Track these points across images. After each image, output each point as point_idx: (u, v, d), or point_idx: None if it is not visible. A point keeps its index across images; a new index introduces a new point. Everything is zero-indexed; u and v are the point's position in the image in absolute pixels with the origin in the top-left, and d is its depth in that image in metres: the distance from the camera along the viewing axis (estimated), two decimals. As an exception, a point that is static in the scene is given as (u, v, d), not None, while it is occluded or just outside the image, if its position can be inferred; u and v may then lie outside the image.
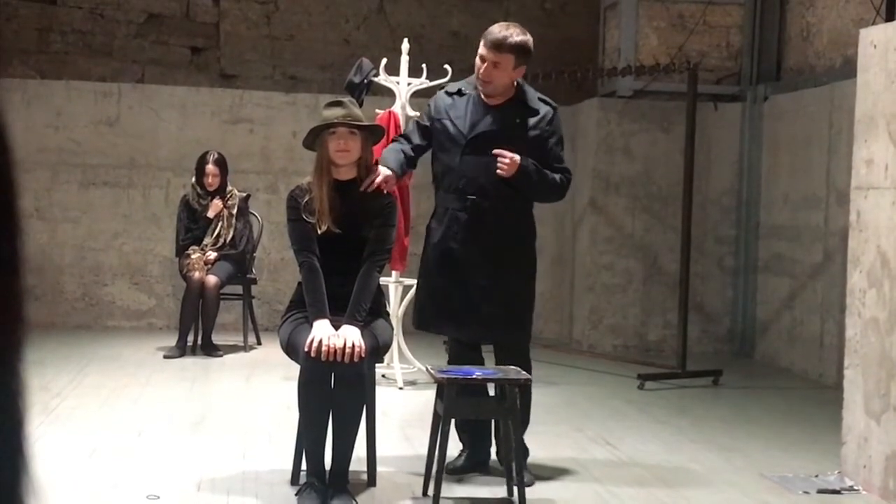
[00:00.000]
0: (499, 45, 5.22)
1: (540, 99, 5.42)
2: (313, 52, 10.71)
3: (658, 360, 9.11)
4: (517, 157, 5.17)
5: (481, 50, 5.29)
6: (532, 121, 5.34)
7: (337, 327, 4.77)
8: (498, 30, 5.29)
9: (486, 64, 5.26)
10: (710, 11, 9.86)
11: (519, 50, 5.24)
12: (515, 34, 5.25)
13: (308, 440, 4.84)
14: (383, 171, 5.12)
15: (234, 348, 9.00)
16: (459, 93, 5.47)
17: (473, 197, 5.28)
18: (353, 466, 4.89)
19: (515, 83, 5.39)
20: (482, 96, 5.38)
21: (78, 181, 10.10)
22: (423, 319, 5.50)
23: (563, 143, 5.50)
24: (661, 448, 6.14)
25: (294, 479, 5.02)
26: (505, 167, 5.16)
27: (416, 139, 5.51)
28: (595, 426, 6.63)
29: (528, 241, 5.46)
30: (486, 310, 5.28)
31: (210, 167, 8.87)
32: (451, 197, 5.35)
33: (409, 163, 5.49)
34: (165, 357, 8.55)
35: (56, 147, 10.03)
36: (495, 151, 5.18)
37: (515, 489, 4.85)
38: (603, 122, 9.82)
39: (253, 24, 10.66)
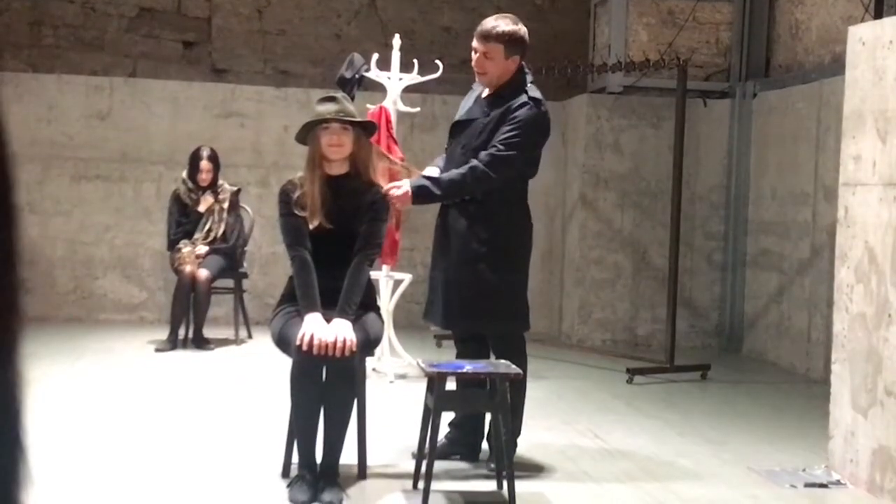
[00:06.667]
0: (486, 35, 5.33)
1: (525, 90, 5.40)
2: (304, 46, 10.72)
3: (647, 354, 9.16)
4: (404, 186, 5.23)
5: (474, 42, 5.41)
6: (499, 109, 5.34)
7: (328, 321, 4.80)
8: (488, 20, 5.42)
9: (478, 55, 5.37)
10: (699, 8, 9.90)
11: (507, 39, 5.31)
12: (504, 24, 5.35)
13: (299, 433, 4.87)
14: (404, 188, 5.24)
15: (225, 342, 9.02)
16: (472, 90, 5.64)
17: None
18: (343, 459, 4.91)
19: (515, 74, 5.41)
20: (483, 91, 5.50)
21: (70, 175, 10.11)
22: (424, 311, 5.66)
23: (518, 131, 5.23)
24: (650, 442, 6.18)
25: (285, 472, 5.04)
26: (397, 201, 5.24)
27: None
28: (584, 420, 6.66)
29: (508, 230, 5.39)
30: (450, 300, 5.35)
31: (204, 163, 8.89)
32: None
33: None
34: (157, 350, 8.57)
35: (48, 141, 10.04)
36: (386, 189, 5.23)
37: (505, 482, 4.88)
38: (593, 117, 9.85)
39: (244, 19, 10.67)
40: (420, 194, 5.25)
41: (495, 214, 5.35)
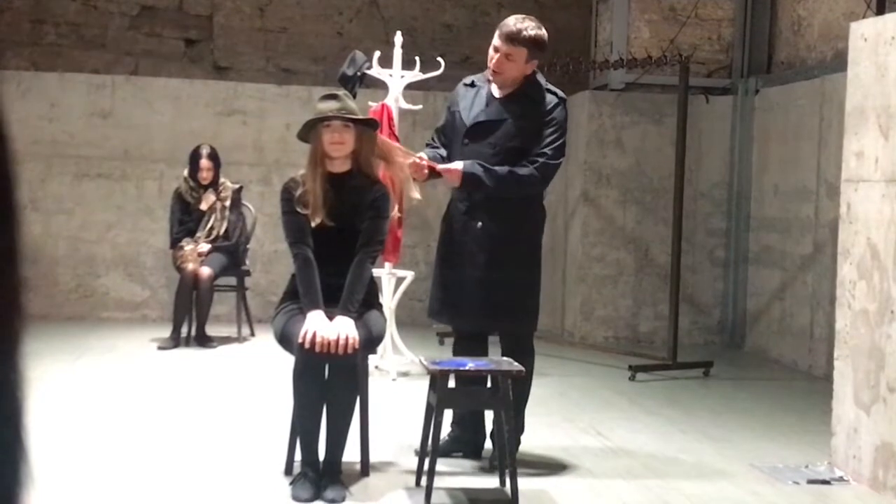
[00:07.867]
0: (513, 38, 5.26)
1: (547, 90, 5.41)
2: (306, 44, 10.72)
3: (649, 351, 9.17)
4: (457, 166, 5.23)
5: (495, 41, 5.33)
6: (532, 110, 5.34)
7: (330, 318, 4.80)
8: (513, 22, 5.33)
9: (498, 55, 5.31)
10: (701, 4, 9.89)
11: (533, 43, 5.28)
12: (531, 28, 5.29)
13: (302, 431, 4.87)
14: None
15: (227, 339, 9.02)
16: (472, 84, 5.56)
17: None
18: (346, 457, 4.92)
19: (530, 73, 5.40)
20: (491, 88, 5.44)
21: (72, 173, 10.12)
22: (431, 309, 5.62)
23: (560, 133, 5.36)
24: (652, 438, 6.18)
25: (288, 470, 5.05)
26: (446, 173, 5.26)
27: (440, 140, 5.63)
28: (586, 417, 6.66)
29: (528, 231, 5.43)
30: (479, 300, 5.32)
31: (204, 161, 8.90)
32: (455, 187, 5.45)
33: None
34: (160, 348, 8.57)
35: (50, 139, 10.04)
36: (439, 167, 5.27)
37: (508, 479, 4.88)
38: (595, 114, 9.85)
39: (246, 17, 10.67)
40: (470, 180, 5.24)
41: (522, 215, 5.38)
